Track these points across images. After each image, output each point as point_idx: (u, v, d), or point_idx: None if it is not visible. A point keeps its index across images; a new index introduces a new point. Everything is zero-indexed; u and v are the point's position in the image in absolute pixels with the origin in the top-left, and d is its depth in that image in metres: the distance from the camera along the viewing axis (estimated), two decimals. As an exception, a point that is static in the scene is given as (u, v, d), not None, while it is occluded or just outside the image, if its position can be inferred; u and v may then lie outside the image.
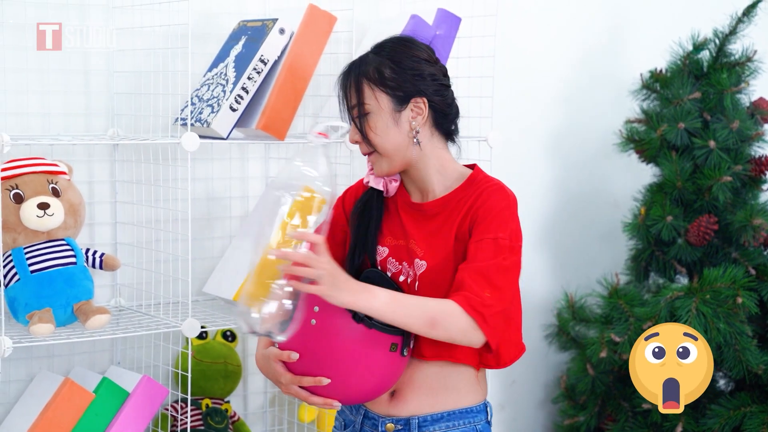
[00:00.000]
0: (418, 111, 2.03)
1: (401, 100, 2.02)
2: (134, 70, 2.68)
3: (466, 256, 1.98)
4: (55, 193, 2.46)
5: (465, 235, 2.01)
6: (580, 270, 3.54)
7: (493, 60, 2.84)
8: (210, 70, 2.68)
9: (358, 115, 2.03)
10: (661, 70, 3.33)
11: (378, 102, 2.02)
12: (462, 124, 2.94)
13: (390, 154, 2.04)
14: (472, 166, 2.13)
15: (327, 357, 1.94)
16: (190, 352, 2.58)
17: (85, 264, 2.50)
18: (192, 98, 2.61)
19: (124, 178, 2.71)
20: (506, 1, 2.96)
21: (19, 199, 2.42)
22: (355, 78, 2.03)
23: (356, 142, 2.06)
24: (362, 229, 2.11)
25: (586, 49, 3.51)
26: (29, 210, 2.41)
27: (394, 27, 2.78)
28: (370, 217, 2.11)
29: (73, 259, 2.46)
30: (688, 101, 3.23)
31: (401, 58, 2.03)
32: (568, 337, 3.40)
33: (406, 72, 2.02)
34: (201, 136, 2.49)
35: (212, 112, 2.54)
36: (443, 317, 1.92)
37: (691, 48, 3.30)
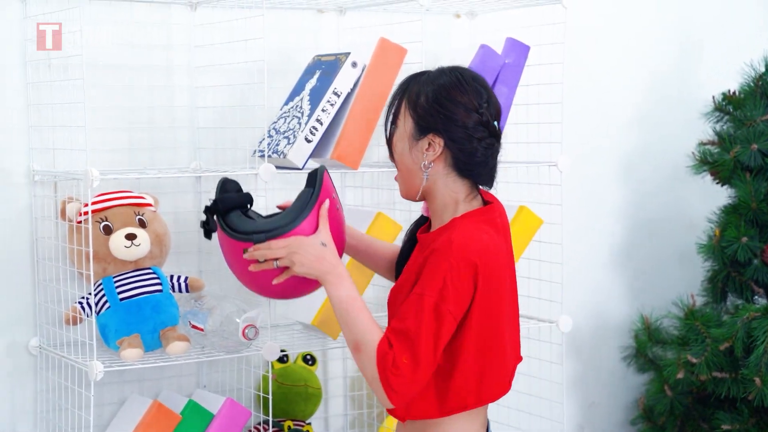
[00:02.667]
0: (432, 147, 2.06)
1: (421, 130, 2.07)
2: (215, 105, 2.80)
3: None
4: (142, 224, 2.58)
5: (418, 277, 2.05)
6: (656, 292, 3.56)
7: (562, 86, 2.89)
8: (286, 103, 2.78)
9: (390, 123, 2.12)
10: (733, 92, 3.35)
11: (404, 122, 2.09)
12: (532, 149, 3.03)
13: (403, 175, 2.12)
14: (478, 210, 2.10)
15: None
16: (271, 376, 2.67)
17: (171, 291, 2.62)
18: (269, 131, 2.72)
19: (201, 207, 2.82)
20: (574, 29, 3.01)
21: (108, 231, 2.55)
22: (401, 90, 2.12)
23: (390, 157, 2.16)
24: (402, 252, 2.22)
25: (656, 71, 3.54)
26: (118, 241, 2.53)
27: (464, 57, 2.86)
28: (408, 239, 2.23)
29: (159, 287, 2.57)
30: (761, 122, 3.24)
31: (440, 94, 2.06)
32: (645, 358, 3.42)
33: (436, 107, 2.05)
34: (278, 167, 2.59)
35: (288, 143, 2.64)
36: (364, 352, 2.00)
37: (763, 69, 3.32)
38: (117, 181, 2.64)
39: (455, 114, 2.04)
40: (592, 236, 3.46)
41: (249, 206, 2.29)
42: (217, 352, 2.57)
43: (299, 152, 2.63)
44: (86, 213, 2.47)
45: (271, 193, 2.81)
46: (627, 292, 3.55)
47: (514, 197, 3.11)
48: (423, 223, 2.22)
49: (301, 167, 2.64)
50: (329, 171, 2.25)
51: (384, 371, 1.96)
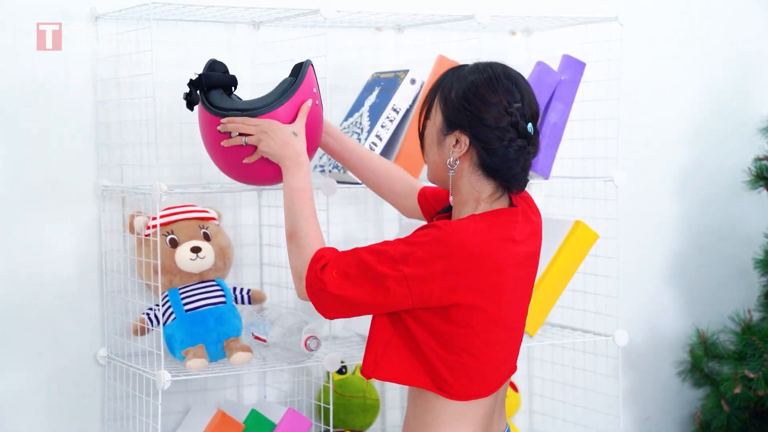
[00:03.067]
0: (459, 145, 2.02)
1: (449, 126, 2.02)
2: (278, 122, 2.87)
3: None
4: (206, 237, 2.66)
5: None
6: (712, 306, 3.56)
7: (617, 102, 2.93)
8: (346, 119, 2.85)
9: (424, 116, 2.10)
10: (789, 108, 3.36)
11: (436, 116, 2.06)
12: (588, 164, 3.06)
13: (431, 167, 2.10)
14: (497, 211, 2.05)
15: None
16: (331, 386, 2.72)
17: (234, 303, 2.69)
18: (331, 146, 2.78)
19: (269, 223, 2.89)
20: (629, 45, 3.04)
21: (174, 244, 2.62)
22: (437, 84, 2.08)
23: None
24: None
25: (712, 86, 3.55)
26: (183, 254, 2.61)
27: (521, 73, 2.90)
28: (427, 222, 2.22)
29: (222, 299, 2.64)
30: (817, 137, 3.25)
31: (469, 91, 2.00)
32: (701, 373, 3.43)
33: (464, 104, 2.00)
34: (338, 182, 2.65)
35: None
36: (297, 243, 2.06)
37: (819, 84, 3.33)
38: (182, 195, 2.72)
39: (483, 113, 1.99)
40: (648, 250, 3.48)
41: (233, 89, 2.38)
42: (279, 363, 2.63)
43: (359, 167, 2.69)
44: (153, 227, 2.54)
45: (332, 207, 2.88)
46: (683, 306, 3.56)
47: (570, 212, 3.15)
48: (447, 211, 2.19)
49: (361, 182, 2.70)
50: None
51: (312, 270, 2.01)
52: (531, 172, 2.82)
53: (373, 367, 2.04)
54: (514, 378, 3.23)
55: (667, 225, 3.52)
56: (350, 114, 2.85)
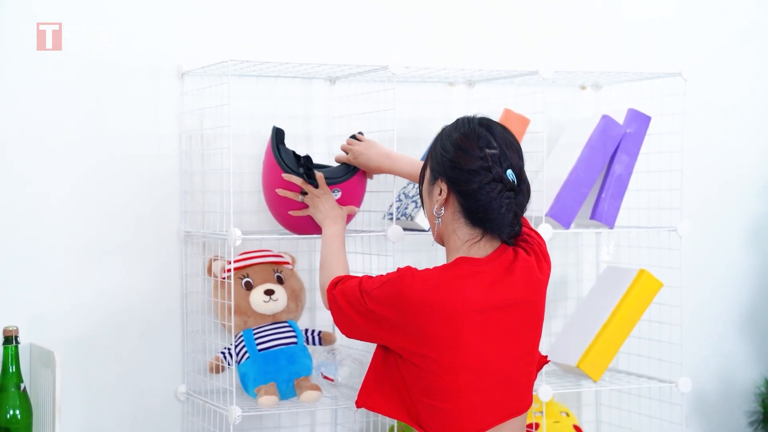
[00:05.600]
0: (441, 193, 2.16)
1: (433, 176, 2.19)
2: (350, 172, 3.01)
3: None
4: (280, 281, 2.79)
5: None
6: (784, 357, 3.57)
7: (681, 154, 3.00)
8: (416, 170, 2.97)
9: (421, 176, 2.26)
10: None
11: (426, 170, 2.23)
12: (653, 215, 3.12)
13: (429, 221, 2.24)
14: (466, 259, 2.14)
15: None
16: (396, 426, 2.82)
17: (305, 343, 2.81)
18: (399, 195, 2.91)
19: (341, 268, 3.01)
20: (694, 99, 3.11)
21: (249, 287, 2.76)
22: (432, 142, 2.25)
23: None
24: None
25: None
26: (257, 296, 2.75)
27: (586, 126, 3.00)
28: None
29: (294, 339, 2.77)
30: None
31: (447, 140, 2.17)
32: (773, 423, 3.43)
33: (442, 153, 2.16)
34: (405, 229, 2.77)
35: (416, 207, 2.82)
36: (327, 265, 2.40)
37: None
38: (259, 241, 2.86)
39: (456, 158, 2.12)
40: (717, 299, 3.51)
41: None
42: (347, 402, 2.74)
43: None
44: (229, 270, 2.69)
45: (404, 254, 3.00)
46: (753, 355, 3.57)
47: (636, 260, 3.21)
48: None
49: (426, 229, 2.81)
50: None
51: (331, 285, 2.30)
52: (597, 222, 2.93)
53: (364, 396, 2.21)
54: (582, 423, 3.29)
55: (736, 273, 3.54)
56: (419, 165, 2.97)
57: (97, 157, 2.81)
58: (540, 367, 2.28)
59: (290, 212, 2.63)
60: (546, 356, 2.33)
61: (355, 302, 2.18)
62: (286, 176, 2.59)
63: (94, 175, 2.81)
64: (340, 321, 2.26)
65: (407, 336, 2.10)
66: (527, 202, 2.17)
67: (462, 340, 2.08)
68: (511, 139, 2.16)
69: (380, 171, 2.65)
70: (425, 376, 2.10)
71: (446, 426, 2.11)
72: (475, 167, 2.11)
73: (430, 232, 2.78)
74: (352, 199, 2.68)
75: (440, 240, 2.24)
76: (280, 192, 2.61)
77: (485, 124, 2.16)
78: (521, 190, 2.14)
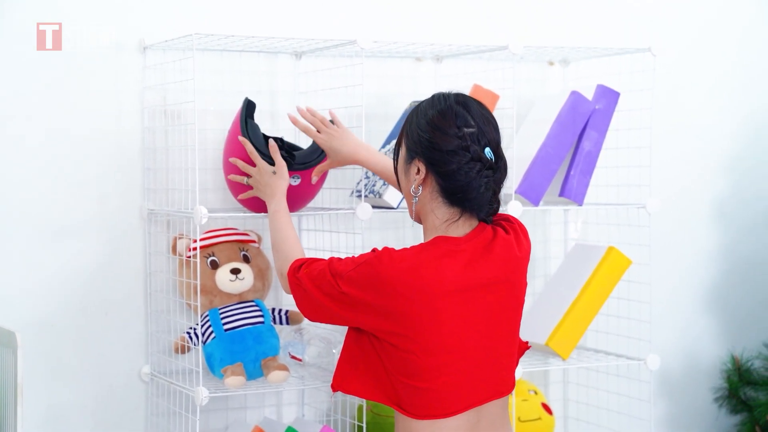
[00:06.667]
0: (419, 172, 2.11)
1: (410, 156, 2.13)
2: (317, 149, 2.97)
3: None
4: (246, 259, 2.75)
5: None
6: (748, 333, 3.58)
7: (650, 131, 2.98)
8: (384, 146, 2.93)
9: (395, 153, 2.20)
10: (826, 136, 3.38)
11: (401, 150, 2.17)
12: (622, 192, 3.11)
13: (404, 196, 2.21)
14: (443, 238, 2.12)
15: None
16: (365, 406, 2.79)
17: (272, 323, 2.77)
18: (367, 172, 2.87)
19: (308, 246, 2.97)
20: (663, 75, 3.10)
21: (214, 266, 2.72)
22: (406, 118, 2.19)
23: None
24: None
25: (747, 115, 3.58)
26: (223, 275, 2.70)
27: (555, 102, 2.97)
28: None
29: (261, 319, 2.73)
30: None
31: (423, 119, 2.11)
32: (737, 399, 3.44)
33: (419, 132, 2.11)
34: (373, 206, 2.73)
35: (384, 184, 2.78)
36: (280, 247, 2.35)
37: None
38: (224, 219, 2.82)
39: (434, 138, 2.08)
40: (683, 277, 3.51)
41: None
42: (314, 382, 2.71)
43: (394, 193, 2.77)
44: (195, 249, 2.64)
45: (372, 232, 2.96)
46: (718, 332, 3.58)
47: (605, 238, 3.20)
48: None
49: (395, 207, 2.78)
50: None
51: (292, 269, 2.23)
52: (565, 198, 2.91)
53: (339, 380, 2.17)
54: (551, 401, 3.28)
55: (703, 251, 3.55)
56: (387, 141, 2.93)
57: (57, 134, 2.75)
58: (521, 353, 2.25)
59: (240, 196, 2.62)
60: (527, 342, 2.30)
61: (326, 286, 2.13)
62: (242, 139, 2.54)
63: (54, 151, 2.75)
64: (305, 305, 2.20)
65: (385, 317, 2.07)
66: (504, 178, 2.15)
67: (441, 320, 2.06)
68: (487, 115, 2.13)
69: (353, 159, 2.56)
70: (404, 357, 2.07)
71: (427, 406, 2.08)
72: (453, 147, 2.07)
73: (399, 211, 2.77)
74: (313, 185, 2.64)
75: (417, 218, 2.20)
76: (232, 177, 2.60)
77: (461, 101, 2.12)
78: (499, 168, 2.12)
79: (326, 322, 2.20)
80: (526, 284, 2.20)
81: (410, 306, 2.05)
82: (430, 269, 2.06)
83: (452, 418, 2.10)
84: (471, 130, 2.08)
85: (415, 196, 2.14)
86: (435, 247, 2.10)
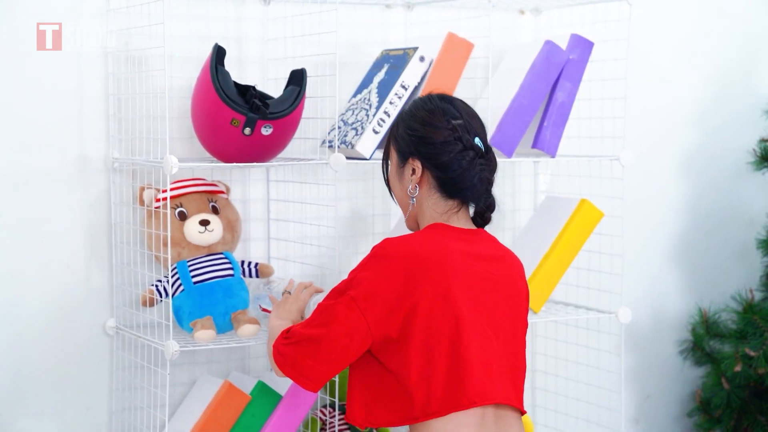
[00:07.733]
0: (415, 172, 2.17)
1: (403, 157, 2.19)
2: (286, 97, 2.89)
3: None
4: (215, 210, 2.68)
5: None
6: (714, 287, 3.59)
7: (625, 82, 2.94)
8: (354, 95, 2.87)
9: (385, 158, 2.25)
10: (795, 89, 3.38)
11: (392, 155, 2.22)
12: (595, 144, 3.08)
13: (401, 207, 2.23)
14: (432, 225, 2.17)
15: None
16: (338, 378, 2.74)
17: (242, 276, 2.71)
18: (338, 122, 2.81)
19: (277, 197, 2.91)
20: (638, 26, 3.05)
21: (183, 217, 2.65)
22: (390, 129, 2.25)
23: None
24: None
25: (719, 68, 3.57)
26: (192, 226, 2.63)
27: (529, 52, 2.92)
28: None
29: (230, 272, 2.67)
30: (822, 119, 3.26)
31: (410, 119, 2.19)
32: (702, 352, 3.46)
33: (408, 132, 2.18)
34: (347, 157, 2.67)
35: (356, 134, 2.72)
36: (270, 349, 2.27)
37: (825, 67, 3.34)
38: (192, 169, 2.74)
39: (426, 134, 2.15)
40: (653, 230, 3.51)
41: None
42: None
43: (367, 143, 2.71)
44: (163, 199, 2.57)
45: (340, 183, 2.90)
46: (685, 285, 3.59)
47: (577, 190, 3.17)
48: None
49: (368, 157, 2.72)
50: None
51: (275, 347, 2.21)
52: (538, 150, 2.88)
53: (364, 413, 2.13)
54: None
55: (672, 205, 3.55)
56: (359, 90, 2.87)
57: (14, 79, 2.65)
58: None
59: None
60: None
61: (329, 308, 2.11)
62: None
63: (11, 97, 2.65)
64: (303, 363, 2.14)
65: (403, 294, 2.05)
66: (495, 170, 2.21)
67: (452, 290, 2.08)
68: (472, 111, 2.21)
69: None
70: (424, 339, 2.06)
71: (460, 391, 2.06)
72: (446, 138, 2.14)
73: (371, 162, 2.71)
74: (285, 135, 2.58)
75: (414, 223, 2.23)
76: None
77: (446, 99, 2.20)
78: (489, 158, 2.19)
79: (326, 371, 2.14)
80: (527, 323, 2.24)
81: (424, 276, 2.06)
82: (438, 244, 2.11)
83: (463, 418, 2.07)
84: (459, 122, 2.16)
85: (413, 197, 2.18)
86: (437, 230, 2.15)
